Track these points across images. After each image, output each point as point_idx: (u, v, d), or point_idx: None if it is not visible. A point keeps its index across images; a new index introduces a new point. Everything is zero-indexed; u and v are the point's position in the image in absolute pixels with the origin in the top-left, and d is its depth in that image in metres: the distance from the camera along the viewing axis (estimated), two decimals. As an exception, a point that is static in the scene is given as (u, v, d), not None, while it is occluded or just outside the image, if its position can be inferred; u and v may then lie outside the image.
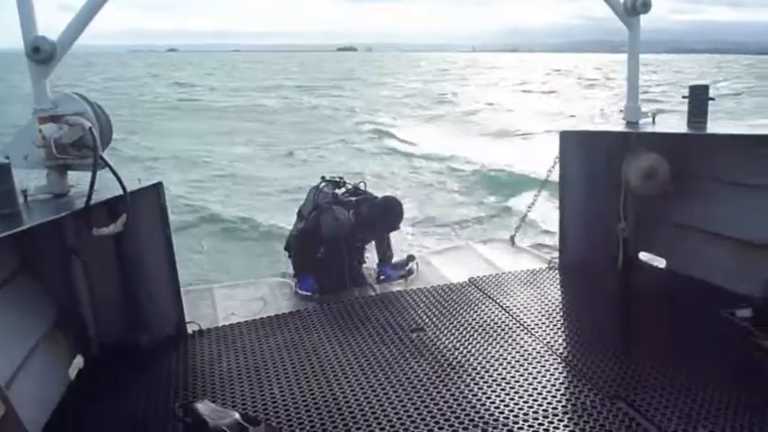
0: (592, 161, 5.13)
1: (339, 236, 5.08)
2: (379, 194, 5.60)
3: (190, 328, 4.41)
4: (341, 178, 5.74)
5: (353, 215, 5.19)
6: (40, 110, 3.55)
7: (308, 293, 5.06)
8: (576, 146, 5.15)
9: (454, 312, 4.58)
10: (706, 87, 4.73)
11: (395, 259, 5.57)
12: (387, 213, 5.31)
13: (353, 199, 5.38)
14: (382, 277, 5.38)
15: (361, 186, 5.65)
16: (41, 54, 3.50)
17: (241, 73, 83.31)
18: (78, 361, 3.91)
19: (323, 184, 5.57)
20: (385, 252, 5.53)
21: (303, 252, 5.29)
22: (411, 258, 5.55)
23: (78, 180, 3.76)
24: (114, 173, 3.48)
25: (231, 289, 5.34)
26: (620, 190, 5.07)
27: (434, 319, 4.47)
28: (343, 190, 5.58)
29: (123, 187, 3.50)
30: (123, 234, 3.63)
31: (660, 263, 5.29)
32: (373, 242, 5.54)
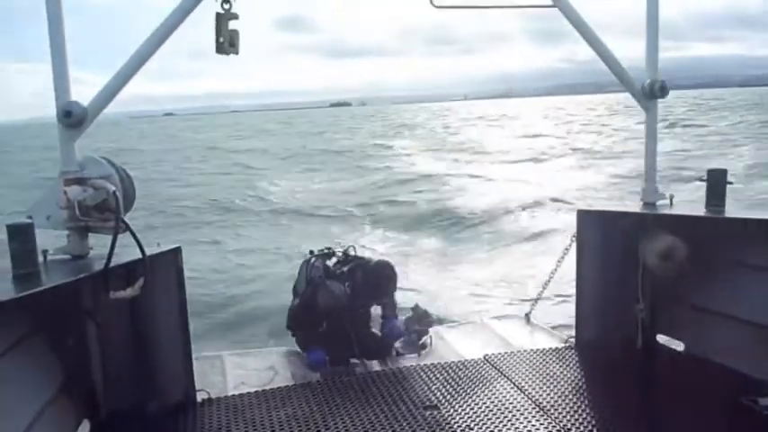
0: (609, 241, 5.11)
1: (337, 309, 5.05)
2: (371, 257, 5.61)
3: (199, 396, 4.34)
4: (329, 249, 5.70)
5: (349, 286, 5.14)
6: (67, 172, 3.62)
7: (320, 365, 4.98)
8: (593, 225, 5.15)
9: (469, 390, 4.48)
10: (724, 171, 4.76)
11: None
12: (380, 279, 5.22)
13: (345, 269, 5.32)
14: (386, 331, 5.29)
15: (351, 252, 5.61)
16: (72, 118, 3.59)
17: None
18: (85, 426, 3.84)
19: (312, 258, 5.52)
20: (389, 314, 5.43)
21: (305, 329, 5.26)
22: (425, 332, 5.48)
23: (97, 243, 3.79)
24: (135, 236, 3.51)
25: (242, 357, 5.27)
26: (638, 270, 5.03)
27: (448, 397, 4.37)
28: (334, 260, 5.54)
29: (143, 251, 3.51)
30: (139, 298, 3.62)
31: (678, 346, 5.19)
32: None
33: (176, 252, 4.07)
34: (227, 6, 3.82)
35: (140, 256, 3.52)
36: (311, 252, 5.67)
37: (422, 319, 5.57)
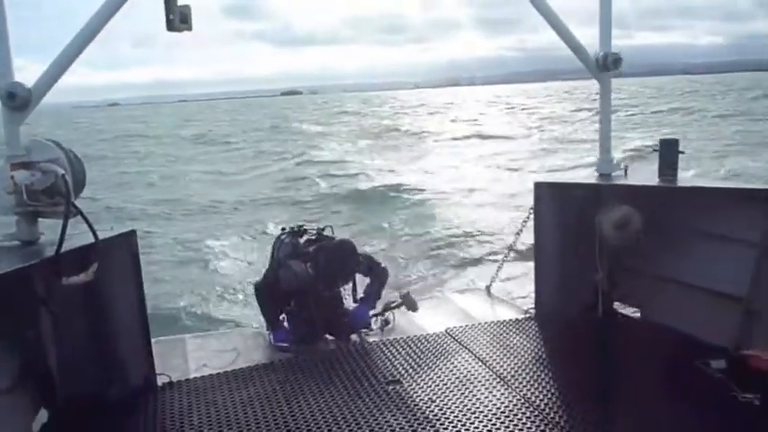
0: (566, 212, 5.18)
1: (300, 289, 5.01)
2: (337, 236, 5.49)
3: (160, 381, 4.30)
4: (300, 227, 5.58)
5: (311, 266, 5.05)
6: (13, 156, 3.50)
7: (284, 345, 4.97)
8: (550, 197, 5.20)
9: (431, 364, 4.52)
10: (676, 141, 4.85)
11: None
12: (339, 260, 5.08)
13: (311, 249, 5.21)
14: (350, 318, 5.22)
15: (327, 232, 5.51)
16: (17, 100, 3.48)
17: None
18: (42, 415, 3.77)
19: (284, 235, 5.43)
20: (358, 300, 5.38)
21: (269, 306, 5.20)
22: (387, 307, 5.49)
23: (48, 228, 3.70)
24: (86, 220, 3.43)
25: (204, 339, 5.23)
26: (595, 240, 5.11)
27: (411, 371, 4.41)
28: (305, 239, 5.46)
29: (95, 235, 3.44)
30: (94, 283, 3.55)
31: (635, 313, 5.32)
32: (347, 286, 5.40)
33: (131, 235, 4.00)
34: None
35: (93, 240, 3.45)
36: (283, 229, 5.56)
37: (409, 307, 5.48)
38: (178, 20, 3.83)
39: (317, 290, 5.09)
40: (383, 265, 5.50)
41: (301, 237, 5.48)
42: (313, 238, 5.45)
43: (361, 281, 5.41)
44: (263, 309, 5.22)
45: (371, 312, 5.37)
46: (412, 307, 5.44)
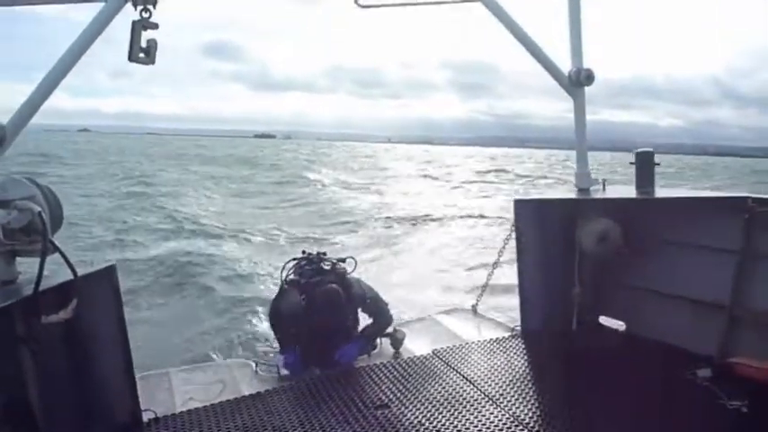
0: (547, 228, 5.21)
1: (296, 318, 4.99)
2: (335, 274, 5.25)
3: (145, 417, 4.23)
4: (319, 254, 5.41)
5: (304, 299, 5.00)
6: None
7: (287, 369, 4.98)
8: (531, 214, 5.24)
9: (419, 386, 4.50)
10: (651, 153, 4.92)
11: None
12: (334, 310, 5.00)
13: (311, 281, 5.09)
14: (338, 356, 5.03)
15: (349, 264, 5.33)
16: None
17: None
18: None
19: (291, 261, 5.37)
20: (347, 337, 5.18)
21: (275, 328, 5.27)
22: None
23: (27, 267, 3.65)
24: (64, 257, 3.39)
25: (189, 372, 5.16)
26: (575, 255, 5.14)
27: (399, 395, 4.38)
28: (311, 267, 5.28)
29: (74, 271, 3.40)
30: (74, 320, 3.50)
31: (620, 326, 5.33)
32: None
33: (111, 270, 3.95)
34: (145, 15, 3.74)
35: (72, 276, 3.41)
36: (303, 252, 5.49)
37: (394, 345, 5.36)
38: (141, 53, 3.85)
39: (310, 322, 5.02)
40: (388, 309, 5.41)
41: (317, 264, 5.31)
42: (327, 267, 5.26)
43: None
44: (273, 330, 5.32)
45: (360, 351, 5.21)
46: (396, 345, 5.34)
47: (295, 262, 5.40)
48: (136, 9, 3.76)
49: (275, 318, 5.26)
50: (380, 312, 5.31)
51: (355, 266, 5.40)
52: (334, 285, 5.02)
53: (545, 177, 50.61)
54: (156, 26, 3.78)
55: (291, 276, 5.27)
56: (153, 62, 3.87)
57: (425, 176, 48.56)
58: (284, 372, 4.97)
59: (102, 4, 3.72)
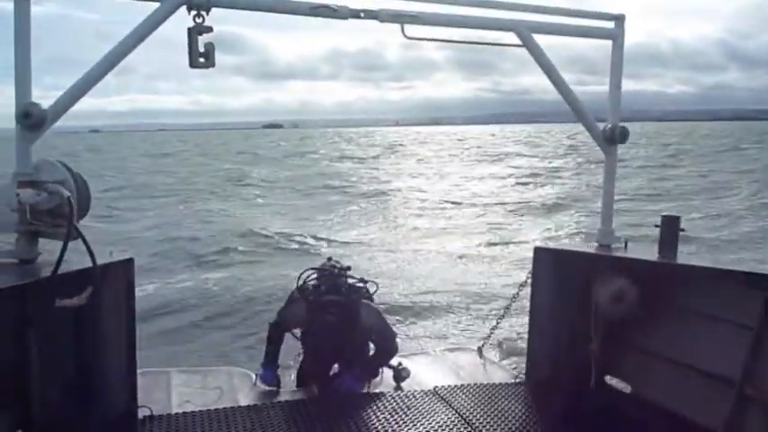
0: (563, 279, 5.18)
1: (298, 330, 5.04)
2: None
3: (141, 413, 4.23)
4: (342, 268, 5.09)
5: (308, 317, 4.90)
6: (21, 174, 3.54)
7: (267, 384, 4.95)
8: (549, 263, 5.21)
9: (416, 421, 4.45)
10: (677, 219, 4.88)
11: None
12: (334, 340, 4.83)
13: (322, 300, 4.84)
14: (337, 385, 5.01)
15: (361, 285, 5.13)
16: (31, 119, 3.53)
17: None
18: None
19: (309, 271, 5.06)
20: (348, 368, 5.10)
21: (271, 339, 5.17)
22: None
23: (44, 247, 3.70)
24: (86, 244, 3.43)
25: (189, 375, 5.16)
26: (591, 310, 5.09)
27: (395, 427, 4.34)
28: (327, 285, 4.98)
29: (93, 259, 3.44)
30: (85, 308, 3.53)
31: (626, 387, 5.25)
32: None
33: (128, 263, 3.99)
34: (198, 20, 3.81)
35: (90, 264, 3.45)
36: (329, 259, 5.34)
37: (400, 380, 5.25)
38: (201, 57, 3.89)
39: (312, 341, 5.00)
40: (395, 339, 5.32)
41: (335, 279, 5.01)
42: (344, 286, 4.94)
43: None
44: (267, 340, 5.20)
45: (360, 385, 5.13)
46: (399, 381, 5.23)
47: (313, 271, 5.08)
48: (189, 14, 3.83)
49: (274, 328, 5.16)
50: (386, 344, 5.21)
51: (376, 290, 5.30)
52: (334, 318, 4.72)
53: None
54: (210, 29, 3.82)
55: (311, 283, 4.96)
56: (213, 65, 3.90)
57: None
58: (263, 386, 4.95)
59: (158, 5, 3.80)
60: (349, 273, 5.05)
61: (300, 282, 4.95)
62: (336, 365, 5.16)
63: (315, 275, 4.97)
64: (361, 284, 5.11)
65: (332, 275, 4.94)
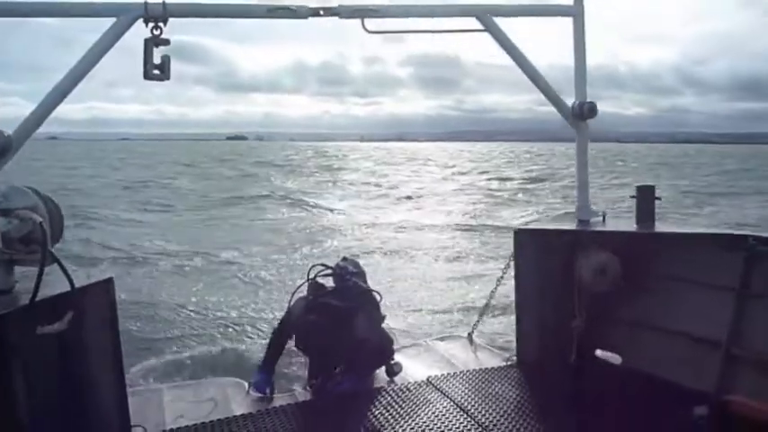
0: (546, 259, 5.21)
1: (298, 332, 4.99)
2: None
3: None
4: (345, 268, 5.17)
5: (312, 322, 4.92)
6: None
7: (259, 391, 4.91)
8: (531, 243, 5.23)
9: (412, 413, 4.46)
10: (652, 188, 4.94)
11: None
12: (332, 343, 4.87)
13: (320, 301, 4.98)
14: (331, 387, 4.94)
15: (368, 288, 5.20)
16: None
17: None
18: None
19: (320, 269, 5.15)
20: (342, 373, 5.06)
21: (271, 342, 5.20)
22: None
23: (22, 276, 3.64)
24: (63, 268, 3.38)
25: (181, 389, 5.12)
26: (575, 287, 5.13)
27: (392, 421, 4.34)
28: (329, 288, 5.16)
29: (71, 283, 3.39)
30: (69, 332, 3.48)
31: (616, 360, 5.30)
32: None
33: (108, 283, 3.94)
34: (156, 32, 3.77)
35: (69, 288, 3.40)
36: (344, 257, 5.38)
37: (392, 375, 5.26)
38: (155, 69, 3.85)
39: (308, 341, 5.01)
40: (392, 343, 5.38)
41: (340, 282, 5.13)
42: (347, 290, 5.03)
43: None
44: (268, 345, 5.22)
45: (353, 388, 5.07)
46: (391, 376, 5.25)
47: (324, 267, 5.17)
48: (147, 26, 3.79)
49: (276, 334, 5.18)
50: (382, 348, 5.25)
51: (380, 300, 5.30)
52: (321, 319, 4.81)
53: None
54: (167, 42, 3.79)
55: (320, 280, 5.03)
56: (168, 78, 3.87)
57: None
58: (256, 394, 4.91)
59: (114, 20, 3.75)
60: (354, 279, 5.11)
61: (311, 275, 5.10)
62: (335, 368, 5.14)
63: (326, 272, 5.11)
64: (366, 291, 5.17)
65: (338, 277, 5.06)
